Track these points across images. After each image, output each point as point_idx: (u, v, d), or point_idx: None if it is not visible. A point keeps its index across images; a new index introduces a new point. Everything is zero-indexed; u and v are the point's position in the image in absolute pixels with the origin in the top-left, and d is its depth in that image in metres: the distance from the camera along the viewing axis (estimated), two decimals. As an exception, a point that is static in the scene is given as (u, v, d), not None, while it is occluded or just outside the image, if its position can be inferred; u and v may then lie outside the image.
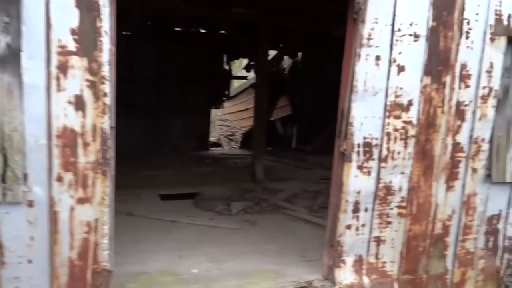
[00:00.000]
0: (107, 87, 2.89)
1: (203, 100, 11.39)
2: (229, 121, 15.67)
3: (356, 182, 3.84)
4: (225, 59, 11.77)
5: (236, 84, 16.08)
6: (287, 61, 13.64)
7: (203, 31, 11.18)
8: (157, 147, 10.77)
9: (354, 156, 3.80)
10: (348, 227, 3.90)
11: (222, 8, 7.10)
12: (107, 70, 2.88)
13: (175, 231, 5.05)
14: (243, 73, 12.87)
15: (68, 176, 2.85)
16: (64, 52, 2.77)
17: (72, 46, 2.78)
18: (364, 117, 3.79)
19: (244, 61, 12.78)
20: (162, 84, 10.84)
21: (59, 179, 2.84)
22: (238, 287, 3.63)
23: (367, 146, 3.82)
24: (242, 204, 6.19)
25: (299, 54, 13.04)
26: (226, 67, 11.87)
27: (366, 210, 3.93)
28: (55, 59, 2.76)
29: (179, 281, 3.63)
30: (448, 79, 3.98)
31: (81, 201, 2.91)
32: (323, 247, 4.35)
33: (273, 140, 13.32)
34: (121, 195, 6.43)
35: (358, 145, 3.80)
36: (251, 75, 13.15)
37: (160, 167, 8.79)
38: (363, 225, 3.94)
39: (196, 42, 11.00)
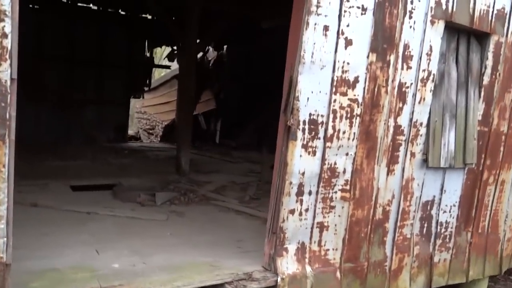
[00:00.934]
0: (7, 26, 2.25)
1: (121, 88, 10.55)
2: (149, 114, 14.79)
3: (301, 162, 3.54)
4: (146, 45, 11.00)
5: (157, 75, 15.27)
6: (211, 54, 13.21)
7: (123, 12, 10.35)
8: (68, 137, 9.74)
9: (299, 134, 3.49)
10: (292, 211, 3.58)
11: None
12: (7, 3, 2.24)
13: (91, 223, 4.36)
14: (166, 62, 12.15)
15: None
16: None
17: (-41, -32, 2.11)
18: (310, 91, 3.50)
19: (167, 50, 12.08)
20: (74, 66, 9.82)
21: None
22: (169, 281, 3.12)
23: (313, 123, 3.54)
24: (168, 194, 5.63)
25: (225, 47, 12.71)
26: (147, 55, 11.10)
27: (310, 193, 3.64)
28: None
29: (97, 277, 3.03)
30: (392, 58, 3.85)
31: (-32, 173, 2.23)
32: (259, 238, 4.01)
33: (196, 135, 12.80)
34: (24, 185, 5.57)
35: (304, 122, 3.50)
36: (174, 65, 12.51)
37: (72, 157, 7.86)
38: (307, 210, 3.65)
39: (115, 24, 10.14)
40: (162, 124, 13.81)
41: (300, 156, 3.53)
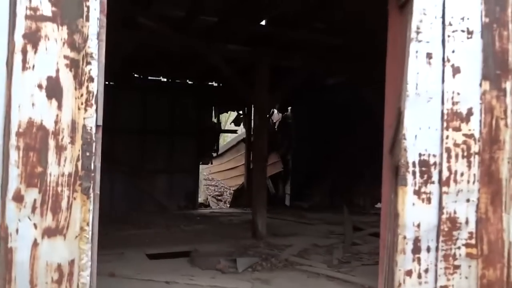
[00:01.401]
0: (94, 69, 2.06)
1: (190, 155, 10.57)
2: (216, 180, 14.72)
3: (414, 212, 2.96)
4: (213, 112, 11.14)
5: (222, 141, 15.44)
6: (276, 116, 13.14)
7: (190, 82, 10.66)
8: (140, 206, 9.72)
9: (410, 178, 2.96)
10: (408, 273, 2.95)
11: (217, 44, 6.55)
12: (94, 45, 2.06)
13: (171, 294, 3.96)
14: (232, 127, 12.20)
15: (32, 194, 1.91)
16: (35, 16, 1.97)
17: (47, 8, 1.99)
18: (418, 128, 3.00)
19: (233, 114, 12.15)
20: (146, 137, 10.05)
21: (18, 198, 1.89)
22: None
23: (424, 165, 3.00)
24: (249, 260, 5.14)
25: (289, 109, 12.60)
26: (215, 121, 11.20)
27: (428, 249, 3.01)
28: (21, 26, 1.95)
29: None
30: (508, 85, 3.30)
31: (50, 232, 1.94)
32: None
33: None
34: (100, 255, 5.36)
35: (414, 164, 2.97)
36: (241, 129, 12.53)
37: (145, 226, 7.69)
38: (426, 271, 3.00)
39: (183, 93, 10.42)
40: (230, 190, 13.63)
41: (413, 204, 2.97)
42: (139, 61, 9.03)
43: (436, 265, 3.03)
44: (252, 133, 7.08)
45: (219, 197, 13.30)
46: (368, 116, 11.99)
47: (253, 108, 6.93)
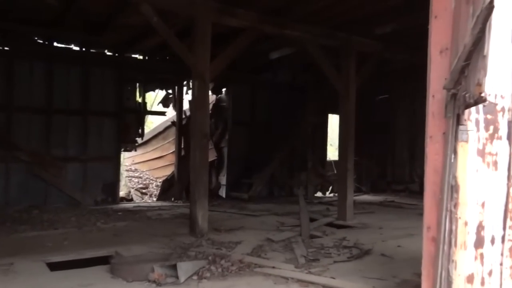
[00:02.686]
0: None
1: (109, 140, 8.88)
2: (140, 171, 13.01)
3: (478, 182, 1.91)
4: (137, 90, 9.51)
5: (150, 127, 13.71)
6: (209, 98, 11.78)
7: (109, 53, 8.95)
8: (45, 201, 7.89)
9: (472, 131, 1.90)
10: (470, 279, 1.89)
11: None
12: None
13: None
14: (160, 109, 10.64)
15: None
16: None
17: None
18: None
19: (161, 94, 10.59)
20: (52, 118, 8.19)
21: None
22: None
23: (490, 111, 1.96)
24: (193, 264, 3.82)
25: (223, 90, 11.33)
26: (139, 100, 9.58)
27: (493, 241, 1.98)
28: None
29: None
30: None
31: None
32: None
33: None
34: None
35: (477, 110, 1.92)
36: (170, 112, 11.01)
37: (49, 226, 6.01)
38: (490, 273, 1.97)
39: (101, 65, 8.69)
40: (156, 181, 12.03)
41: (476, 171, 1.91)
42: (42, 19, 7.21)
43: (501, 264, 2.00)
44: (191, 103, 5.72)
45: (143, 190, 11.66)
46: (315, 99, 11.24)
47: (192, 75, 5.55)
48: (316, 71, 10.54)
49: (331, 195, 12.04)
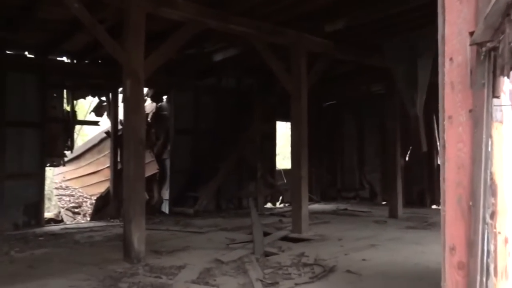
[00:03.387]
0: None
1: (31, 154, 7.75)
2: (72, 188, 11.74)
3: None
4: (65, 97, 8.46)
5: (83, 140, 12.47)
6: (149, 107, 10.90)
7: (30, 55, 7.86)
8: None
9: (507, 104, 1.34)
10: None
11: None
12: None
13: None
14: (92, 117, 9.58)
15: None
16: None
17: None
18: None
19: (94, 101, 9.56)
20: (-41, 128, 6.98)
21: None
22: None
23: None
24: (124, 302, 3.02)
25: (164, 98, 10.50)
26: (67, 109, 8.52)
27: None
28: None
29: None
30: None
31: None
32: None
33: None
34: None
35: None
36: (104, 121, 9.98)
37: None
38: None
39: (19, 69, 7.58)
40: (91, 199, 10.86)
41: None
42: None
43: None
44: (123, 105, 4.91)
45: (76, 210, 10.45)
46: (262, 105, 10.66)
47: (124, 73, 4.74)
48: (264, 75, 10.05)
49: (282, 205, 11.51)
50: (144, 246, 4.73)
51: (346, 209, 9.96)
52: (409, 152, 11.00)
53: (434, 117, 10.54)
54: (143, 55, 4.80)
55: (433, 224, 7.31)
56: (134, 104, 4.68)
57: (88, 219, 9.51)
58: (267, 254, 4.97)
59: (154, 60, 4.97)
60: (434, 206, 10.53)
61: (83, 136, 13.32)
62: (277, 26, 6.20)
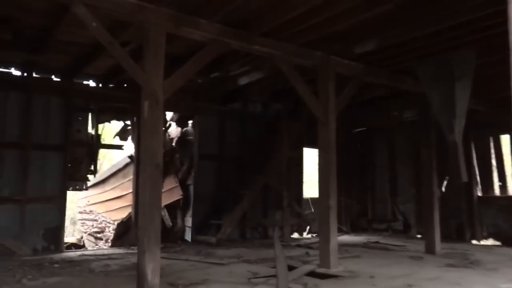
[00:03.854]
0: None
1: (54, 178, 7.67)
2: (96, 213, 11.63)
3: None
4: (90, 120, 8.42)
5: (109, 164, 12.45)
6: (174, 131, 10.79)
7: (56, 79, 7.89)
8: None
9: None
10: None
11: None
12: None
13: None
14: (116, 141, 9.51)
15: None
16: None
17: None
18: None
19: (119, 125, 9.50)
20: (-16, 151, 6.99)
21: None
22: None
23: None
24: None
25: (190, 123, 10.37)
26: (92, 132, 8.47)
27: None
28: None
29: None
30: None
31: None
32: None
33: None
34: None
35: None
36: (129, 145, 9.88)
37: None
38: None
39: (45, 91, 7.60)
40: (114, 224, 10.71)
41: None
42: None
43: None
44: (141, 127, 4.70)
45: (98, 235, 10.31)
46: (289, 131, 10.34)
47: (142, 94, 4.55)
48: (291, 100, 9.79)
49: (309, 236, 10.99)
50: (159, 278, 4.39)
51: (377, 242, 9.34)
52: (445, 182, 10.34)
53: (473, 145, 9.95)
54: (163, 76, 4.60)
55: (475, 262, 6.66)
56: (151, 126, 4.45)
57: (110, 245, 9.30)
58: (291, 292, 4.54)
59: (174, 81, 4.77)
60: (474, 241, 9.77)
61: (109, 160, 13.33)
62: (303, 47, 5.94)
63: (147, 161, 4.42)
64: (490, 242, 9.66)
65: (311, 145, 10.63)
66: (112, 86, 8.37)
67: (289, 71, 5.91)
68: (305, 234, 11.11)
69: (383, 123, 11.64)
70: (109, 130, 12.24)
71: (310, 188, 15.43)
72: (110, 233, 10.40)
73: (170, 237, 9.80)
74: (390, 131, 11.71)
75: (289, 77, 5.95)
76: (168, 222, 9.95)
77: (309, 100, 6.11)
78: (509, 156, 9.49)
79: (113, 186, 11.45)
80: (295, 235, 10.89)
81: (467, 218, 9.91)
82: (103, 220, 11.13)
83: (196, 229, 9.38)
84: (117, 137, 9.32)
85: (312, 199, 11.21)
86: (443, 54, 6.18)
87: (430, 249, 7.74)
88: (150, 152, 4.41)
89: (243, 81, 7.99)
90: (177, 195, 10.06)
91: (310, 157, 13.39)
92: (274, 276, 4.78)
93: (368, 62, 6.67)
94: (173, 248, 7.96)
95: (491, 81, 7.59)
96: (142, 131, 4.55)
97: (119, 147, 9.43)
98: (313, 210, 11.12)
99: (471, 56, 6.09)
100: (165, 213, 9.99)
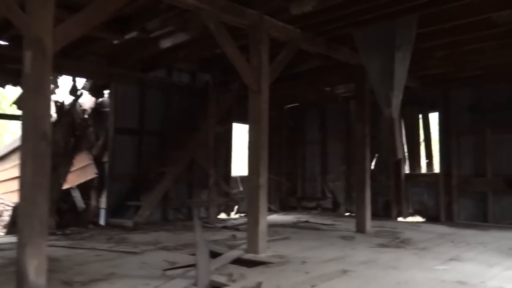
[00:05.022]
0: None
1: None
2: (-8, 194, 10.07)
3: None
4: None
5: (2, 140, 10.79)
6: (88, 102, 9.51)
7: None
8: None
9: None
10: None
11: None
12: None
13: None
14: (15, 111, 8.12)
15: None
16: None
17: None
18: None
19: (17, 91, 8.10)
20: None
21: None
22: None
23: None
24: None
25: (106, 92, 9.16)
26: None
27: None
28: None
29: None
30: None
31: None
32: None
33: (68, 218, 8.71)
34: None
35: None
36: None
37: None
38: None
39: None
40: (12, 206, 9.29)
41: None
42: None
43: None
44: (22, 85, 3.66)
45: (-6, 220, 8.88)
46: (218, 104, 9.47)
47: (24, 42, 3.48)
48: (220, 68, 8.95)
49: (237, 216, 10.42)
50: (45, 277, 3.47)
51: (307, 221, 9.01)
52: (375, 160, 10.23)
53: (402, 121, 9.87)
54: (52, 22, 3.57)
55: (405, 241, 6.46)
56: (35, 84, 3.42)
57: (5, 231, 7.99)
58: (213, 286, 3.85)
59: (69, 28, 3.74)
60: (400, 219, 9.80)
61: (13, 134, 11.65)
62: (235, 3, 5.15)
63: (29, 130, 3.42)
64: (415, 219, 9.74)
65: (242, 120, 9.96)
66: (5, 44, 6.97)
67: (217, 29, 5.09)
68: (233, 214, 10.52)
69: (316, 98, 11.26)
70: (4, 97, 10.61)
71: (240, 166, 14.85)
72: (7, 217, 9.00)
73: (84, 219, 8.72)
74: (323, 106, 11.38)
75: (217, 37, 5.14)
76: (81, 204, 8.82)
77: (240, 64, 5.35)
78: (437, 134, 9.52)
79: (13, 164, 9.93)
80: (223, 215, 10.25)
81: (394, 195, 9.89)
82: (1, 203, 9.63)
83: (111, 212, 8.36)
84: (15, 106, 7.92)
85: (241, 177, 10.61)
86: (384, 19, 5.71)
87: (361, 228, 7.48)
88: (33, 117, 3.41)
89: (165, 43, 7.00)
90: (90, 173, 8.92)
91: (241, 133, 12.76)
92: (194, 265, 4.06)
93: (305, 28, 6.05)
94: (80, 234, 6.93)
95: (425, 55, 7.37)
96: (24, 90, 3.52)
97: (17, 117, 8.04)
98: (242, 189, 10.54)
99: (412, 24, 5.68)
100: (76, 194, 8.85)
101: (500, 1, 5.35)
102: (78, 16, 3.81)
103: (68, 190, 8.73)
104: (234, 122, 10.51)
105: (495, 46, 6.96)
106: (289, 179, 11.99)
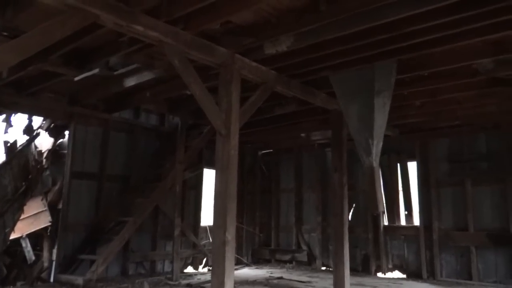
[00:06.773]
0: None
1: None
2: None
3: None
4: None
5: None
6: (46, 143, 8.82)
7: None
8: None
9: None
10: None
11: None
12: None
13: None
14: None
15: None
16: None
17: None
18: None
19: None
20: None
21: None
22: None
23: None
24: None
25: (67, 133, 8.49)
26: None
27: None
28: None
29: None
30: None
31: None
32: None
33: (13, 272, 7.81)
34: None
35: None
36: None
37: None
38: None
39: None
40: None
41: None
42: None
43: None
44: None
45: None
46: (186, 148, 8.88)
47: None
48: (190, 111, 8.47)
49: (206, 269, 9.60)
50: None
51: (281, 277, 8.28)
52: (352, 211, 9.74)
53: (380, 171, 9.49)
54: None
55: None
56: None
57: None
58: None
59: (4, 55, 3.19)
60: (379, 274, 9.18)
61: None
62: (203, 39, 4.74)
63: None
64: (395, 274, 9.15)
65: (214, 165, 9.39)
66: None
67: (183, 67, 4.63)
68: (201, 268, 9.70)
69: (291, 145, 10.85)
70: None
71: (210, 214, 14.10)
72: None
73: (31, 273, 7.80)
74: (299, 153, 10.97)
75: (183, 75, 4.67)
76: (30, 256, 7.90)
77: (207, 105, 4.86)
78: (415, 184, 9.14)
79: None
80: (190, 269, 9.42)
81: (373, 249, 9.33)
82: None
83: (63, 266, 7.44)
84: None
85: (211, 227, 9.89)
86: (363, 63, 5.39)
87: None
88: None
89: (130, 82, 6.49)
90: (44, 221, 8.10)
91: (212, 179, 12.12)
92: None
93: (280, 69, 5.68)
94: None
95: (404, 103, 7.11)
96: None
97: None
98: (211, 240, 9.78)
99: (392, 69, 5.39)
100: (26, 244, 7.97)
101: (482, 49, 5.13)
102: (15, 42, 3.27)
103: (17, 239, 7.89)
104: (205, 167, 9.92)
105: (473, 97, 6.77)
106: (263, 229, 11.31)
